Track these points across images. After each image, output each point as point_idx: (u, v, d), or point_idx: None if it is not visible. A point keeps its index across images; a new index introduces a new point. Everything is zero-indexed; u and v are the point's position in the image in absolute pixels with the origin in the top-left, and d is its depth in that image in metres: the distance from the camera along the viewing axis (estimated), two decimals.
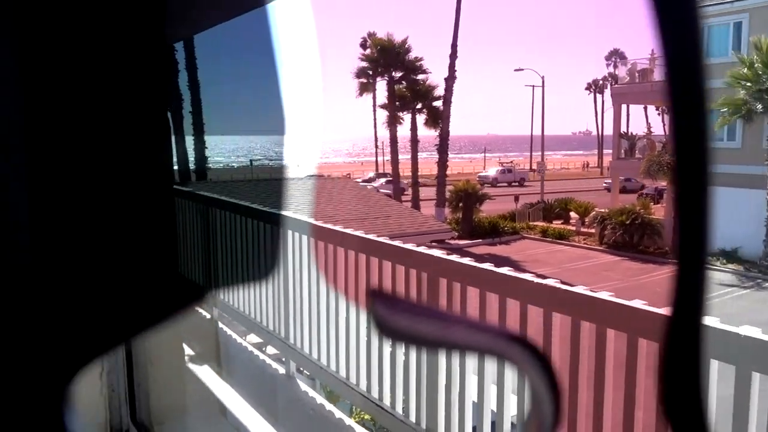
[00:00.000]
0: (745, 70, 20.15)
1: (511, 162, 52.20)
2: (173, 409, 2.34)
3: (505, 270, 2.85)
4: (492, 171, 49.14)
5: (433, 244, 14.36)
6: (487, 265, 2.93)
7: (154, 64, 0.78)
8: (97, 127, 0.74)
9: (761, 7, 21.49)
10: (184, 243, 6.42)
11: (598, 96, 77.13)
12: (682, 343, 0.32)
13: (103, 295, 0.75)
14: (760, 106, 20.04)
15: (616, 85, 31.94)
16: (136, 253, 0.78)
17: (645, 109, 54.33)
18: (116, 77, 0.74)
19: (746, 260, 21.55)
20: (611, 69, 66.51)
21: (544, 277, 2.82)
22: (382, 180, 43.15)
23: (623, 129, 32.53)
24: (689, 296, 0.31)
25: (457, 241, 25.23)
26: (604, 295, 2.49)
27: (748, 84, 20.09)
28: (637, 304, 2.37)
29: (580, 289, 2.61)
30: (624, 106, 31.28)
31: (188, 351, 4.45)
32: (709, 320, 2.13)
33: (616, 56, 65.41)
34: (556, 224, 29.54)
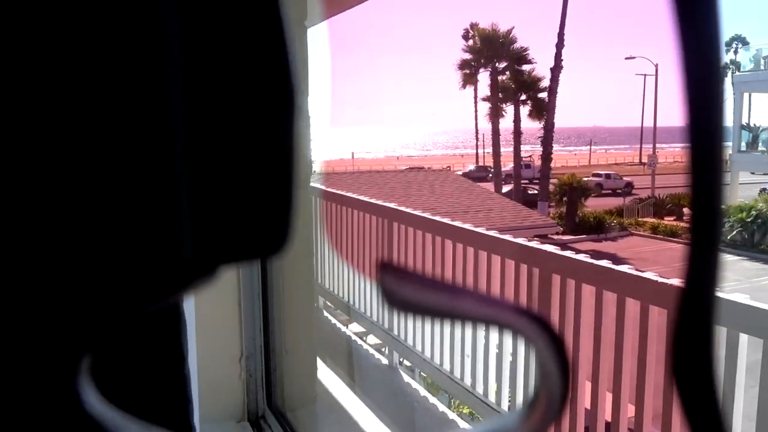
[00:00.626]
0: None
1: (530, 157, 44.04)
2: (305, 396, 2.43)
3: (624, 268, 2.71)
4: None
5: (536, 238, 14.03)
6: (605, 262, 2.80)
7: (290, 49, 0.79)
8: (243, 121, 0.75)
9: None
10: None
11: None
12: (694, 315, 0.32)
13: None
14: None
15: (738, 73, 29.83)
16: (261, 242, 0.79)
17: None
18: (257, 66, 0.75)
19: None
20: (732, 55, 62.20)
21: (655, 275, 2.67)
22: (471, 167, 42.22)
23: (745, 120, 30.35)
24: (703, 268, 0.31)
25: (560, 237, 24.55)
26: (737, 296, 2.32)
27: None
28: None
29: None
30: (746, 96, 29.16)
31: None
32: (738, 297, 2.29)
33: (737, 41, 61.05)
34: (668, 221, 28.07)
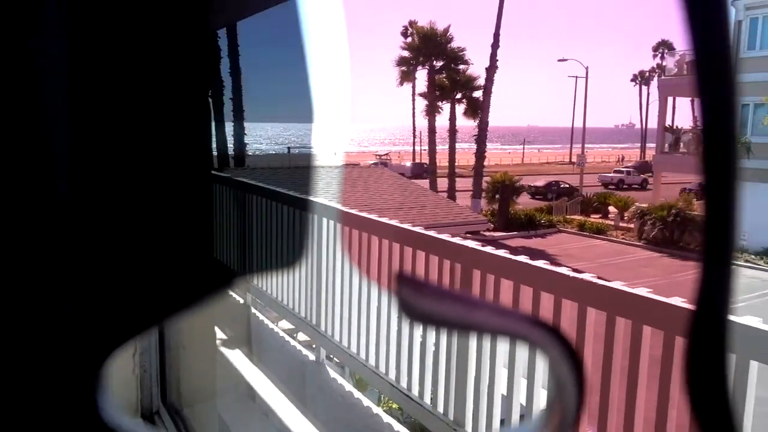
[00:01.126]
0: None
1: (387, 154, 45.32)
2: (203, 392, 2.37)
3: (540, 263, 2.80)
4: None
5: (468, 235, 14.27)
6: (522, 258, 2.88)
7: (195, 50, 0.78)
8: (136, 114, 0.75)
9: None
10: (221, 228, 6.51)
11: (644, 88, 75.39)
12: (707, 339, 0.32)
13: (138, 278, 0.75)
14: None
15: (663, 77, 31.16)
16: (171, 237, 0.78)
17: (692, 102, 52.86)
18: (157, 62, 0.74)
19: None
20: (659, 60, 64.83)
21: (579, 271, 2.77)
22: (408, 163, 42.86)
23: (668, 122, 31.74)
24: (715, 291, 0.31)
25: (492, 233, 25.05)
26: (642, 291, 2.42)
27: None
28: (675, 300, 2.30)
29: (616, 284, 2.54)
30: (671, 99, 30.51)
31: (221, 335, 4.51)
32: (749, 320, 2.03)
33: (664, 47, 63.70)
34: (594, 218, 29.09)
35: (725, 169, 0.31)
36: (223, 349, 4.48)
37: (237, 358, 4.41)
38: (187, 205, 0.78)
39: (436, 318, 0.33)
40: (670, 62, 31.61)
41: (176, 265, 0.78)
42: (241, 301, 5.64)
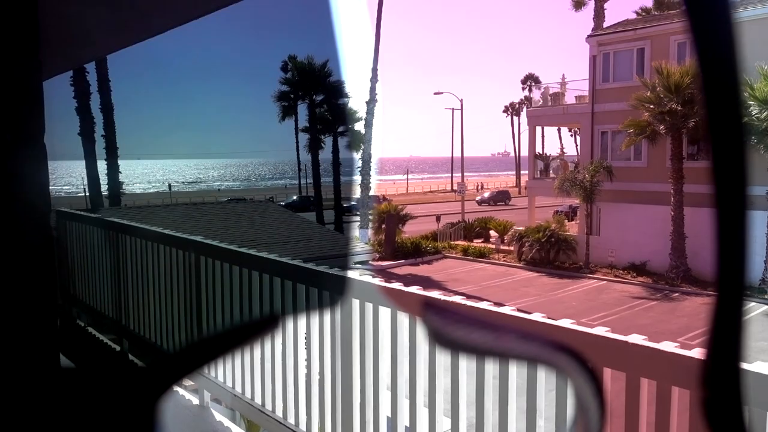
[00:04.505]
0: (648, 93, 21.39)
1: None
2: None
3: (413, 289, 2.89)
4: None
5: (357, 265, 14.37)
6: (396, 285, 2.96)
7: (24, 91, 0.77)
8: None
9: (660, 35, 22.95)
10: (93, 272, 6.16)
11: (515, 118, 79.90)
12: (724, 389, 0.32)
13: None
14: (662, 127, 21.30)
15: (530, 108, 33.19)
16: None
17: (559, 130, 56.68)
18: None
19: (654, 273, 22.72)
20: (527, 92, 69.05)
21: (466, 295, 2.87)
22: (294, 197, 43.15)
23: (538, 150, 33.74)
24: (728, 337, 0.32)
25: (379, 263, 25.36)
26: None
27: (651, 106, 21.33)
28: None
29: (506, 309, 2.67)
30: (539, 128, 32.51)
31: None
32: (760, 367, 1.83)
33: (530, 80, 68.01)
34: (477, 243, 30.23)
35: (737, 203, 0.31)
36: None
37: None
38: (19, 254, 0.76)
39: (466, 345, 0.34)
40: (536, 94, 33.76)
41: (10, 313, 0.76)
42: (117, 348, 5.35)
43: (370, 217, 29.43)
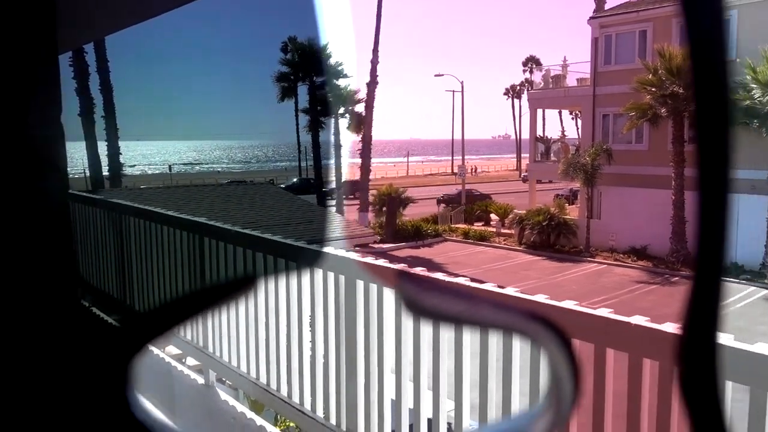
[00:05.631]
0: (650, 76, 21.28)
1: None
2: None
3: (418, 270, 2.91)
4: None
5: (357, 248, 14.41)
6: (400, 266, 2.98)
7: (42, 69, 0.78)
8: None
9: (663, 17, 22.78)
10: (96, 252, 6.19)
11: (516, 101, 79.52)
12: (700, 362, 0.32)
13: None
14: (664, 110, 21.22)
15: (531, 91, 33.03)
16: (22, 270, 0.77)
17: (560, 113, 56.43)
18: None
19: (655, 257, 22.76)
20: (528, 75, 68.63)
21: (467, 278, 2.89)
22: (295, 179, 42.57)
23: (539, 133, 33.63)
24: (705, 312, 0.32)
25: (380, 245, 25.41)
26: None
27: (653, 89, 21.23)
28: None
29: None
30: (540, 111, 32.39)
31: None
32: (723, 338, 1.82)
33: (531, 62, 67.53)
34: (477, 226, 30.26)
35: (720, 185, 0.31)
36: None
37: None
38: (38, 234, 0.77)
39: (439, 313, 0.34)
40: (537, 77, 33.57)
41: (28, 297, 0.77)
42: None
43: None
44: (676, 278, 21.06)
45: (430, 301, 0.34)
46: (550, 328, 0.36)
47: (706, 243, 0.31)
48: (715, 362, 0.32)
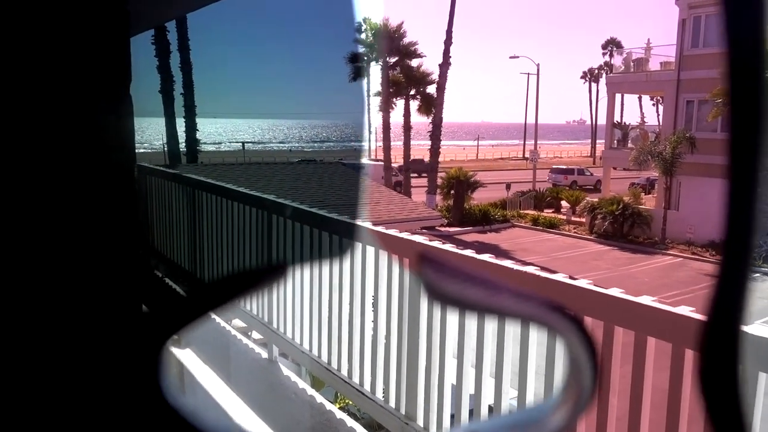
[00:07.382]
0: None
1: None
2: None
3: (486, 257, 2.84)
4: None
5: (423, 230, 14.36)
6: (468, 252, 2.91)
7: (110, 48, 0.77)
8: (45, 114, 0.74)
9: None
10: (170, 226, 6.39)
11: (593, 85, 77.02)
12: (721, 350, 0.32)
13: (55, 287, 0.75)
14: None
15: (611, 74, 31.89)
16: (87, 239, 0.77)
17: (639, 99, 54.42)
18: (68, 60, 0.73)
19: None
20: (607, 58, 66.25)
21: (534, 265, 2.80)
22: (364, 160, 42.69)
23: (617, 119, 32.53)
24: (730, 300, 0.32)
25: (447, 229, 25.28)
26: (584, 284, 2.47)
27: None
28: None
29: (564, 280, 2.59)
30: (618, 96, 31.27)
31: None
32: (758, 329, 1.86)
33: (612, 45, 65.10)
34: (547, 213, 29.65)
35: (751, 173, 0.31)
36: (174, 349, 4.40)
37: (188, 357, 4.34)
38: (104, 207, 0.77)
39: (459, 299, 0.34)
40: (617, 60, 32.38)
41: (100, 269, 0.77)
42: None
43: (439, 182, 29.18)
44: (758, 275, 20.01)
45: (451, 287, 0.33)
46: (571, 320, 0.36)
47: (734, 230, 0.31)
48: (737, 352, 0.32)
